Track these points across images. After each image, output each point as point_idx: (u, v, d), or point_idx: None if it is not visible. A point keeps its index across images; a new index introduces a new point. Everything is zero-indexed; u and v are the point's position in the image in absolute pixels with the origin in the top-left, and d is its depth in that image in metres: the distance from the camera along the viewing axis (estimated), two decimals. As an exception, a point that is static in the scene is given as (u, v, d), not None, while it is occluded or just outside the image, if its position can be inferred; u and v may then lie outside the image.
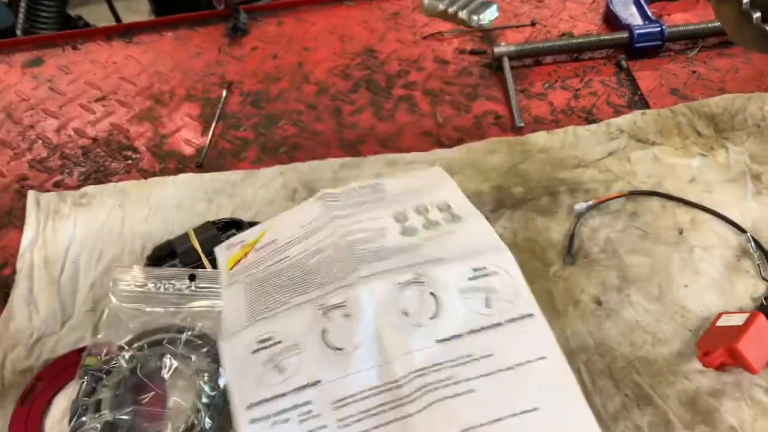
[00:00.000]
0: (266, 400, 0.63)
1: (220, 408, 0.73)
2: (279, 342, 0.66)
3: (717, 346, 0.70)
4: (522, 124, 1.01)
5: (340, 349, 0.65)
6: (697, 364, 0.71)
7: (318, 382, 0.63)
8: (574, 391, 0.61)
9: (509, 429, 0.58)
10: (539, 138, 0.96)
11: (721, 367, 0.71)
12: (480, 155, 0.95)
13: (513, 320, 0.65)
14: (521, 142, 0.96)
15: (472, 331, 0.64)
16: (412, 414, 0.59)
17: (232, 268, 0.80)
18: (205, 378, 0.73)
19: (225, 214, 0.92)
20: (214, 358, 0.76)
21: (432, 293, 0.67)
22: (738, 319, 0.72)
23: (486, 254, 0.71)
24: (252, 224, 0.89)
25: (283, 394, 0.62)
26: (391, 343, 0.64)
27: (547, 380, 0.61)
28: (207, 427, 0.70)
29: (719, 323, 0.74)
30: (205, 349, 0.76)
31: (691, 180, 0.89)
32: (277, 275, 0.76)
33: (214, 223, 0.88)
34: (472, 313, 0.65)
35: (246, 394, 0.64)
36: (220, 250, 0.83)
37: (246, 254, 0.81)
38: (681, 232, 0.84)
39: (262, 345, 0.67)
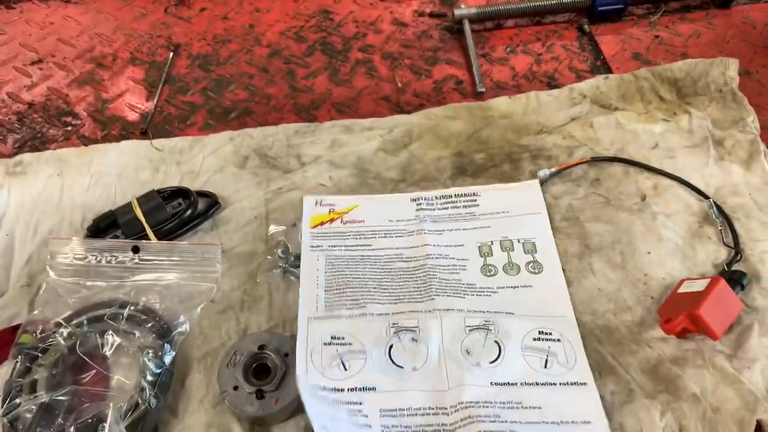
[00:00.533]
0: (327, 389, 0.67)
1: (167, 386, 0.69)
2: (349, 344, 0.71)
3: (678, 312, 0.69)
4: (483, 90, 0.98)
5: (400, 366, 0.69)
6: (659, 332, 0.70)
7: (373, 388, 0.68)
8: None
9: None
10: (501, 103, 0.93)
11: (682, 334, 0.70)
12: (440, 121, 0.92)
13: (567, 384, 0.68)
14: (482, 108, 0.93)
15: (527, 384, 0.68)
16: None
17: (315, 227, 0.83)
18: (150, 355, 0.69)
19: (172, 182, 0.87)
20: (160, 334, 0.71)
21: (497, 342, 0.71)
22: (699, 285, 0.71)
23: (554, 320, 0.73)
24: (201, 194, 0.84)
25: (342, 390, 0.67)
26: (449, 374, 0.68)
27: None
28: (152, 406, 0.66)
29: (681, 290, 0.73)
30: (149, 324, 0.72)
31: (654, 146, 0.87)
32: (359, 265, 0.79)
33: (159, 192, 0.83)
34: (530, 369, 0.69)
35: (313, 375, 0.68)
36: (307, 202, 0.85)
37: (332, 220, 0.83)
38: (644, 198, 0.82)
39: (335, 341, 0.71)
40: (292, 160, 0.89)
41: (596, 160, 0.86)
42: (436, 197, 0.85)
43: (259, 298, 0.77)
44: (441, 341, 0.70)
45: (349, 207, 0.85)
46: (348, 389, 0.68)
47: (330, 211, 0.85)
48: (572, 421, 0.65)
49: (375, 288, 0.76)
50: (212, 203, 0.84)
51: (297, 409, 0.68)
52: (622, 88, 0.94)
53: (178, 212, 0.81)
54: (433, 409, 0.66)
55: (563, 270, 0.76)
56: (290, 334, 0.74)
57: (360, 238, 0.82)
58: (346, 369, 0.69)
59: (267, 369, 0.69)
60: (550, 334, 0.71)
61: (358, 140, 0.90)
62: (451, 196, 0.85)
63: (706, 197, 0.81)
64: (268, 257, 0.80)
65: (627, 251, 0.77)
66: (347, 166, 0.88)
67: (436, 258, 0.79)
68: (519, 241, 0.80)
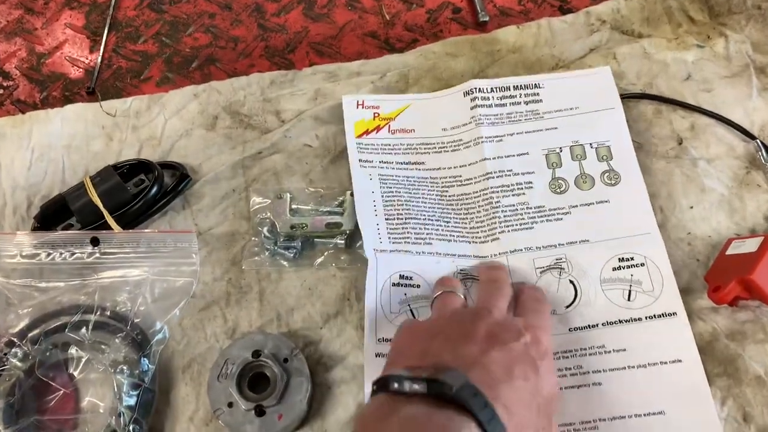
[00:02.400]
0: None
1: (149, 407, 0.59)
2: (418, 286, 0.64)
3: (728, 279, 0.60)
4: (486, 19, 0.84)
5: None
6: (709, 301, 0.61)
7: None
8: (706, 401, 0.57)
9: (630, 429, 0.56)
10: (509, 35, 0.80)
11: (735, 302, 0.61)
12: (439, 60, 0.79)
13: (653, 317, 0.61)
14: (487, 41, 0.80)
15: (609, 323, 0.61)
16: None
17: (360, 136, 0.73)
18: (125, 372, 0.59)
19: (130, 153, 0.74)
20: (134, 345, 0.61)
21: (572, 281, 0.63)
22: (751, 245, 0.62)
23: (636, 242, 0.65)
24: (166, 166, 0.71)
25: None
26: None
27: (679, 385, 0.58)
28: (133, 434, 0.56)
29: (729, 251, 0.63)
30: (121, 334, 0.61)
31: (687, 77, 0.76)
32: (416, 189, 0.70)
33: (116, 167, 0.70)
34: (611, 305, 0.62)
35: (379, 324, 0.62)
36: (347, 102, 0.75)
37: (379, 128, 0.74)
38: (680, 142, 0.71)
39: (404, 281, 0.64)
40: (270, 118, 0.76)
41: (623, 98, 0.74)
42: (492, 88, 0.74)
43: (247, 289, 0.66)
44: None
45: (397, 110, 0.75)
46: None
47: (375, 116, 0.74)
48: (661, 362, 0.58)
49: (437, 220, 0.68)
50: (181, 177, 0.71)
51: (305, 419, 0.59)
52: (646, 10, 0.81)
53: (141, 191, 0.69)
54: None
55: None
56: (287, 331, 0.63)
57: (411, 153, 0.72)
58: (414, 316, 0.62)
59: (265, 379, 0.59)
60: (632, 259, 0.64)
61: (345, 88, 0.77)
62: (508, 88, 0.74)
63: (752, 137, 0.70)
64: (253, 238, 0.69)
65: (667, 206, 0.67)
66: (335, 121, 0.75)
67: (498, 176, 0.69)
68: (592, 147, 0.70)
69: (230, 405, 0.58)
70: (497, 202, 0.68)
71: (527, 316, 0.57)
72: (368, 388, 0.59)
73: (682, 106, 0.73)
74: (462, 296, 0.60)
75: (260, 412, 0.57)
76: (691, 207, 0.67)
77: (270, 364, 0.59)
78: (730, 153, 0.70)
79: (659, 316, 0.61)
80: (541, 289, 0.62)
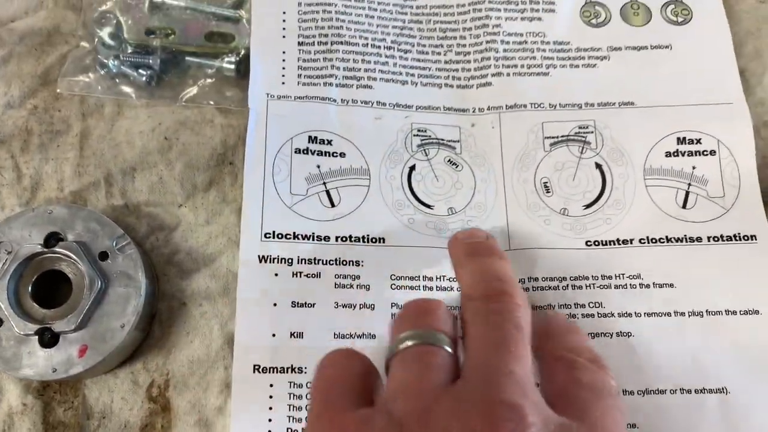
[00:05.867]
0: (296, 236, 0.37)
1: None
2: (342, 155, 0.40)
3: None
4: None
5: (428, 205, 0.39)
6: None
7: (381, 240, 0.38)
8: None
9: (669, 410, 0.35)
10: None
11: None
12: None
13: (720, 239, 0.39)
14: None
15: (650, 241, 0.39)
16: None
17: None
18: None
19: None
20: None
21: (599, 165, 0.40)
22: None
23: (709, 115, 0.41)
24: None
25: (324, 239, 0.38)
26: (510, 226, 0.39)
27: (751, 349, 0.36)
28: None
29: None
30: None
31: None
32: None
33: None
34: (657, 211, 0.39)
35: (269, 211, 0.38)
36: None
37: None
38: (773, -14, 0.46)
39: (317, 146, 0.39)
40: None
41: None
42: None
43: (62, 127, 0.39)
44: (500, 164, 0.40)
45: None
46: (337, 238, 0.38)
47: None
48: (725, 311, 0.37)
49: (389, 48, 0.42)
50: (-35, -76, 0.41)
51: (134, 354, 0.35)
52: None
53: None
54: None
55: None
56: (122, 204, 0.38)
57: None
58: (333, 203, 0.38)
59: (66, 284, 0.35)
60: (699, 141, 0.40)
61: None
62: None
63: None
64: (83, 44, 0.41)
65: (752, 70, 0.43)
66: None
67: None
68: None
69: (-4, 323, 0.33)
70: (496, 26, 0.42)
71: (588, 412, 0.26)
72: (244, 313, 0.35)
73: None
74: (449, 349, 0.27)
75: (48, 339, 0.33)
76: (788, 77, 0.43)
77: (73, 259, 0.34)
78: None
79: (729, 238, 0.38)
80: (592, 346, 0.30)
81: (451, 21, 0.43)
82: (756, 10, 0.45)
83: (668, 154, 0.40)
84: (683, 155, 0.40)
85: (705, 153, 0.40)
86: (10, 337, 0.33)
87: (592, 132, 0.40)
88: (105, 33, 0.41)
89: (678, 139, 0.40)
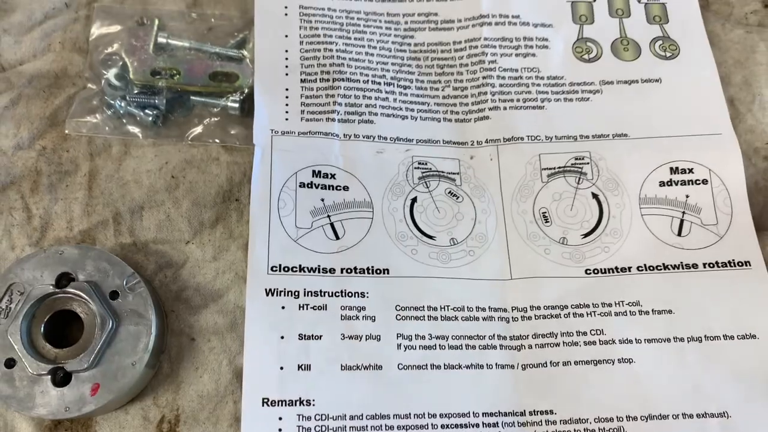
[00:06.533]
0: (302, 269, 0.38)
1: None
2: (345, 188, 0.40)
3: None
4: None
5: (430, 236, 0.40)
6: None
7: (386, 270, 0.39)
8: None
9: None
10: None
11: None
12: None
13: (715, 266, 0.40)
14: None
15: (648, 268, 0.40)
16: (513, 366, 0.38)
17: None
18: None
19: None
20: None
21: (596, 195, 0.41)
22: None
23: (699, 145, 0.42)
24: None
25: (330, 271, 0.38)
26: (511, 254, 0.40)
27: (750, 373, 0.37)
28: None
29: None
30: None
31: None
32: (359, 33, 0.45)
33: None
34: (653, 240, 0.41)
35: (275, 244, 0.38)
36: None
37: None
38: (767, 4, 0.47)
39: (321, 180, 0.40)
40: None
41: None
42: None
43: (71, 167, 0.40)
44: (500, 195, 0.41)
45: None
46: (342, 270, 0.38)
47: None
48: (723, 336, 0.38)
49: (389, 84, 0.43)
50: (-26, -29, 0.43)
51: (145, 391, 0.36)
52: None
53: None
54: (483, 309, 0.39)
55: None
56: (130, 242, 0.39)
57: None
58: (338, 236, 0.39)
59: (77, 324, 0.35)
60: (692, 171, 0.42)
61: None
62: None
63: None
64: (90, 86, 0.42)
65: (741, 98, 0.44)
66: None
67: (497, 23, 0.46)
68: (640, 1, 0.47)
69: (10, 363, 0.33)
70: (492, 62, 0.44)
71: None
72: (252, 346, 0.36)
73: (774, -51, 0.49)
74: None
75: (61, 378, 0.33)
76: (778, 101, 0.44)
77: (85, 299, 0.34)
78: (839, 27, 0.47)
79: (724, 264, 0.39)
80: None
81: (449, 57, 0.44)
82: (744, 40, 0.46)
83: (662, 184, 0.41)
84: (677, 184, 0.41)
85: (697, 182, 0.41)
86: (24, 377, 0.34)
87: (588, 163, 0.42)
88: (111, 74, 0.42)
89: (671, 168, 0.41)
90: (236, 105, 0.42)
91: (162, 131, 0.41)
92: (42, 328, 0.35)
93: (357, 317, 0.37)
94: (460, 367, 0.37)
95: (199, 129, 0.41)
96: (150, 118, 0.41)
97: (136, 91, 0.41)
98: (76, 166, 0.40)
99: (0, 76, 0.42)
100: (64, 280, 0.35)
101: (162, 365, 0.37)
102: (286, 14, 0.44)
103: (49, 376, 0.34)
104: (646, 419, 0.36)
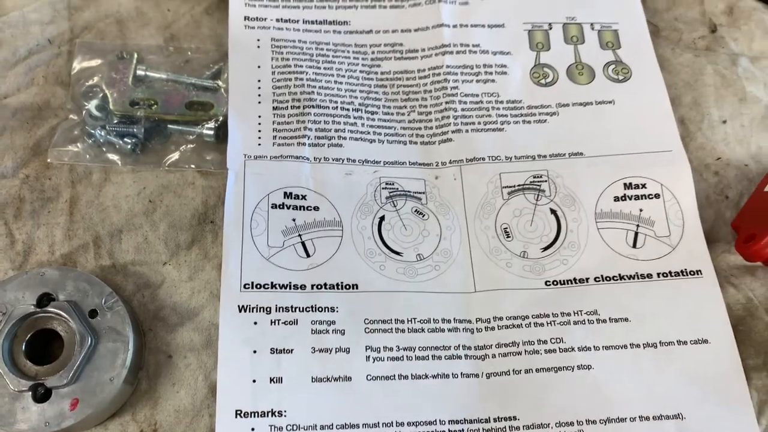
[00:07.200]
0: (273, 286, 0.40)
1: None
2: (316, 208, 0.42)
3: (764, 225, 0.41)
4: None
5: (397, 252, 0.42)
6: (741, 259, 0.42)
7: (354, 286, 0.41)
8: (740, 400, 0.39)
9: None
10: None
11: (776, 261, 0.42)
12: None
13: (668, 275, 0.42)
14: None
15: (604, 279, 0.42)
16: (477, 375, 0.39)
17: None
18: None
19: None
20: None
21: (554, 210, 0.43)
22: (799, 179, 0.43)
23: (651, 162, 0.45)
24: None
25: (300, 287, 0.40)
26: (475, 269, 0.42)
27: (703, 376, 0.39)
28: None
29: (770, 187, 0.44)
30: None
31: (728, -60, 0.54)
32: (329, 63, 0.47)
33: None
34: (609, 252, 0.43)
35: (248, 263, 0.40)
36: None
37: None
38: (714, 29, 0.50)
39: (292, 201, 0.42)
40: (122, -65, 0.50)
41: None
42: None
43: (52, 194, 0.42)
44: (463, 212, 0.43)
45: None
46: (313, 286, 0.40)
47: None
48: (677, 341, 0.40)
49: (357, 110, 0.46)
50: (-38, 11, 0.45)
51: (124, 406, 0.37)
52: None
53: None
54: (448, 321, 0.40)
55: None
56: (110, 264, 0.40)
57: (330, 7, 0.49)
58: (308, 253, 0.41)
59: (58, 342, 0.37)
60: (644, 186, 0.44)
61: None
62: None
63: (813, 30, 0.50)
64: (72, 117, 0.44)
65: (691, 118, 0.47)
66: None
67: (458, 51, 0.48)
68: (593, 28, 0.49)
69: (-9, 381, 0.35)
70: (454, 88, 0.46)
71: None
72: (226, 361, 0.37)
73: (719, -21, 0.52)
74: None
75: (41, 394, 0.35)
76: (724, 121, 0.47)
77: (65, 318, 0.36)
78: (782, 50, 0.50)
79: (677, 274, 0.41)
80: None
81: (413, 84, 0.47)
82: (693, 63, 0.49)
83: (617, 199, 0.43)
84: (630, 199, 0.43)
85: (650, 197, 0.43)
86: (5, 394, 0.35)
87: (546, 181, 0.44)
88: (92, 105, 0.44)
89: (625, 184, 0.44)
90: (211, 132, 0.44)
91: (140, 158, 0.43)
92: (23, 347, 0.36)
93: (327, 331, 0.39)
94: (426, 376, 0.38)
95: (175, 155, 0.43)
96: (129, 146, 0.43)
97: (115, 121, 0.43)
98: (58, 192, 0.42)
99: (-14, 108, 0.44)
100: (45, 300, 0.37)
101: (140, 382, 0.38)
102: (258, 47, 0.46)
103: (30, 393, 0.35)
104: (605, 422, 0.38)
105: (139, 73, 0.45)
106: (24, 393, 0.35)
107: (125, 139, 0.43)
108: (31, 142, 0.43)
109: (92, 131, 0.43)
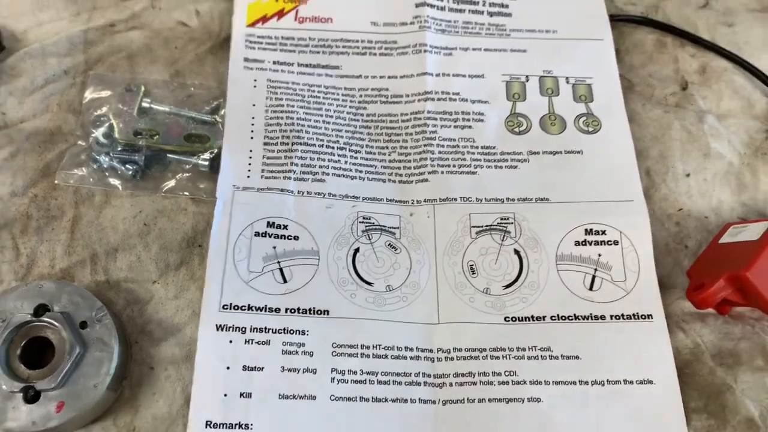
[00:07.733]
0: (250, 308, 0.43)
1: None
2: (296, 238, 0.45)
3: (717, 274, 0.43)
4: None
5: (368, 282, 0.45)
6: (691, 304, 0.45)
7: (326, 312, 0.44)
8: None
9: None
10: None
11: (725, 309, 0.45)
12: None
13: (621, 318, 0.45)
14: None
15: (560, 318, 0.45)
16: (434, 402, 0.42)
17: (254, 24, 0.54)
18: None
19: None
20: None
21: (518, 251, 0.46)
22: (752, 232, 0.45)
23: (612, 210, 0.48)
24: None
25: (276, 310, 0.43)
26: (440, 301, 0.45)
27: (646, 414, 0.42)
28: None
29: (724, 239, 0.46)
30: None
31: (705, 4, 0.57)
32: (319, 104, 0.51)
33: None
34: (567, 293, 0.45)
35: (228, 285, 0.44)
36: None
37: (282, 13, 0.54)
38: (685, 87, 0.54)
39: (274, 230, 0.46)
40: (137, -21, 0.55)
41: (618, 20, 0.55)
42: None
43: (57, 213, 0.46)
44: (434, 248, 0.46)
45: None
46: (287, 310, 0.43)
47: None
48: (623, 381, 0.42)
49: (341, 148, 0.49)
50: (-11, 42, 0.50)
51: (108, 411, 0.41)
52: None
53: None
54: (411, 350, 0.43)
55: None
56: (104, 280, 0.44)
57: (324, 52, 0.53)
58: (285, 279, 0.44)
59: (51, 349, 0.40)
60: (604, 233, 0.47)
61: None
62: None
63: (779, 92, 0.53)
64: (80, 143, 0.48)
65: (656, 170, 0.50)
66: (227, -8, 0.54)
67: (440, 99, 0.51)
68: (568, 82, 0.53)
69: (-13, 383, 0.38)
70: (433, 132, 0.50)
71: None
72: (201, 375, 0.40)
73: (693, 40, 0.55)
74: None
75: (31, 396, 0.38)
76: (688, 175, 0.50)
77: (57, 327, 0.40)
78: (748, 110, 0.53)
79: (629, 317, 0.44)
80: None
81: (396, 127, 0.50)
82: (661, 118, 0.52)
83: (577, 243, 0.46)
84: (590, 244, 0.46)
85: (609, 243, 0.46)
86: (-1, 394, 0.38)
87: (512, 223, 0.47)
88: (99, 133, 0.48)
89: (586, 230, 0.47)
90: (206, 163, 0.47)
91: (140, 184, 0.47)
92: (18, 351, 0.40)
93: (297, 352, 0.42)
94: (386, 400, 0.41)
95: (172, 183, 0.47)
96: (130, 172, 0.47)
97: (119, 149, 0.47)
98: (62, 212, 0.46)
99: (3, 132, 0.48)
100: (41, 310, 0.40)
101: (124, 390, 0.41)
102: (255, 86, 0.50)
103: (21, 394, 0.38)
104: None
105: (144, 105, 0.49)
106: (15, 394, 0.38)
107: (127, 166, 0.47)
108: (41, 164, 0.47)
109: (97, 157, 0.47)
